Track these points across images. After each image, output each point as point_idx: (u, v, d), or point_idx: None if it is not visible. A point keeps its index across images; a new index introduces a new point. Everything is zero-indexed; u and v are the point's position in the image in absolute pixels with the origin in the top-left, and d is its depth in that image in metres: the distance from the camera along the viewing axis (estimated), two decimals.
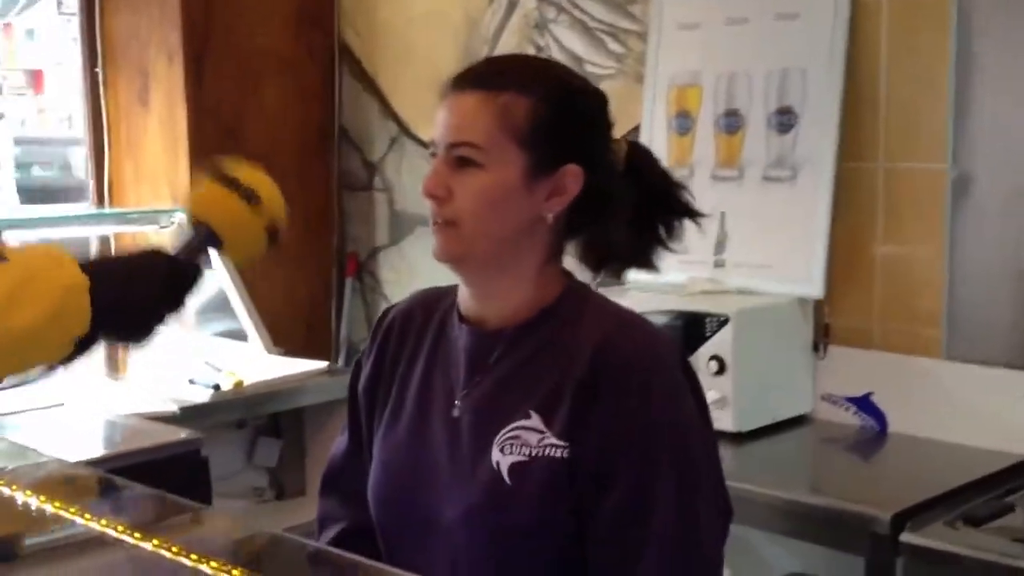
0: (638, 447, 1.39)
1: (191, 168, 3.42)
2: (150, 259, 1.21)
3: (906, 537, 1.96)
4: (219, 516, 1.37)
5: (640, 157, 1.56)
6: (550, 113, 1.44)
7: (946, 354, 2.45)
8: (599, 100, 1.52)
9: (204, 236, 1.25)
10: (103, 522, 1.15)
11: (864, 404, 2.55)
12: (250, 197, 1.25)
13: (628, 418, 1.39)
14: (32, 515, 1.24)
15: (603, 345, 1.43)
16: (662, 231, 1.56)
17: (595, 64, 3.06)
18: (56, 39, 3.88)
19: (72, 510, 1.17)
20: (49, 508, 1.19)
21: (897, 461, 2.45)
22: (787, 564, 2.55)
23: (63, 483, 1.52)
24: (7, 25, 4.07)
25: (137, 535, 1.10)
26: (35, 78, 4.35)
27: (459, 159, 1.43)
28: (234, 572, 1.01)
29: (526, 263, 1.48)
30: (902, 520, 1.99)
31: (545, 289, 1.49)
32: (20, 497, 1.23)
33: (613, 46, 3.03)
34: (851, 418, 2.57)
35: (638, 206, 1.53)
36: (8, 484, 1.25)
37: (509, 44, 3.23)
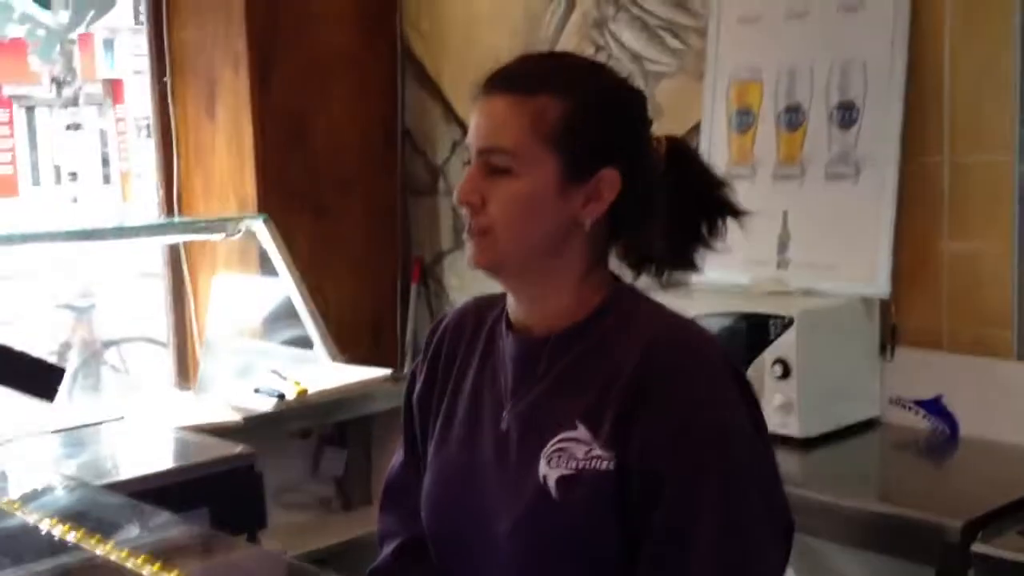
0: (684, 457, 1.35)
1: (257, 176, 3.43)
2: None
3: (978, 547, 1.89)
4: (236, 544, 1.35)
5: (681, 155, 1.51)
6: (585, 116, 1.40)
7: (1018, 355, 2.36)
8: (636, 99, 1.48)
9: None
10: (108, 548, 1.14)
11: (934, 407, 2.47)
12: None
13: (673, 426, 1.35)
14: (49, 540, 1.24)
15: (649, 349, 1.39)
16: (704, 230, 1.50)
17: (654, 61, 3.00)
18: (132, 49, 3.94)
19: (88, 537, 1.17)
20: (57, 534, 1.18)
21: (969, 467, 2.37)
22: (855, 575, 2.48)
23: (85, 509, 1.52)
24: (86, 36, 4.13)
25: (142, 563, 1.09)
26: (114, 88, 4.41)
27: (492, 166, 1.40)
28: None
29: (566, 270, 1.44)
30: (974, 529, 1.92)
31: (591, 294, 1.46)
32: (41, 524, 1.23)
33: (672, 43, 2.97)
34: (920, 422, 2.49)
35: (679, 205, 1.48)
36: (20, 509, 1.25)
37: (569, 43, 3.19)
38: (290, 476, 3.12)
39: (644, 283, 1.52)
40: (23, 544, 1.31)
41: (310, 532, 2.97)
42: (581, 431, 1.39)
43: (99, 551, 1.16)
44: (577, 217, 1.41)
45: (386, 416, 3.03)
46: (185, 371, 3.43)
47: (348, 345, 3.31)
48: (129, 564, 1.10)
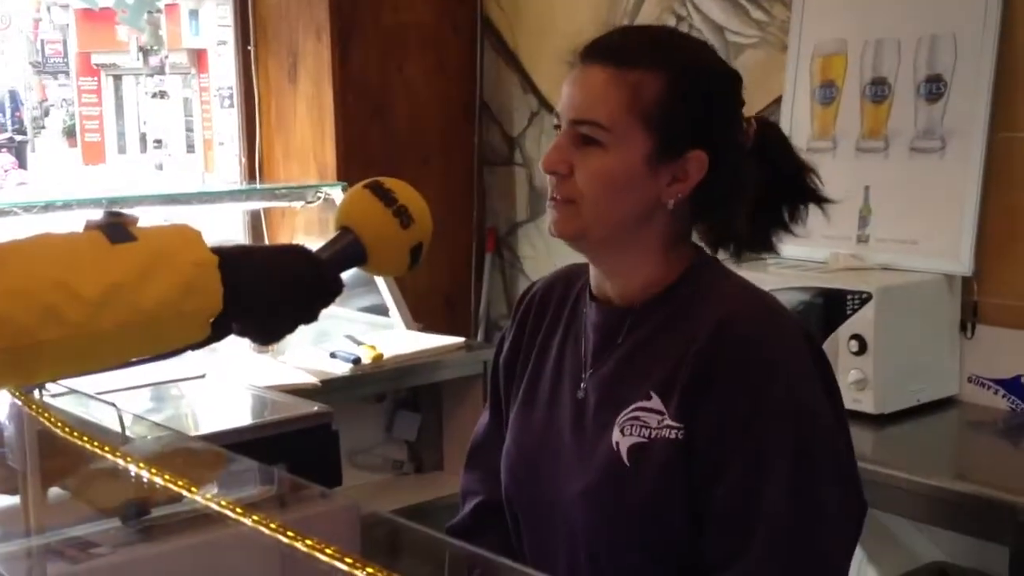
0: (753, 430, 1.34)
1: (337, 144, 3.47)
2: (292, 259, 1.16)
3: None
4: (324, 493, 1.38)
5: (769, 136, 1.49)
6: (681, 95, 1.39)
7: None
8: (732, 80, 1.46)
9: (351, 250, 1.21)
10: (208, 497, 1.17)
11: (1014, 386, 2.43)
12: (403, 215, 1.21)
13: (744, 398, 1.35)
14: (144, 487, 1.27)
15: (724, 321, 1.38)
16: (785, 215, 1.49)
17: (737, 33, 2.98)
18: (216, 20, 3.98)
19: (180, 484, 1.19)
20: (159, 481, 1.21)
21: None
22: (929, 552, 2.46)
23: (176, 457, 1.56)
24: (172, 6, 4.19)
25: (239, 511, 1.11)
26: (199, 58, 4.47)
27: (583, 136, 1.39)
28: (326, 551, 1.01)
29: (647, 244, 1.44)
30: None
31: (672, 267, 1.45)
32: (133, 469, 1.26)
33: (756, 14, 2.94)
34: (1000, 401, 2.45)
35: (763, 188, 1.46)
36: (123, 456, 1.28)
37: (650, 15, 3.17)
38: (364, 438, 3.16)
39: (723, 257, 1.51)
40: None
41: (381, 493, 3.01)
42: (655, 400, 1.39)
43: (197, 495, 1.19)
44: (661, 195, 1.41)
45: (458, 383, 3.07)
46: None
47: (423, 314, 3.35)
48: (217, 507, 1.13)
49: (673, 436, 1.36)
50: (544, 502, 1.48)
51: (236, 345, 2.89)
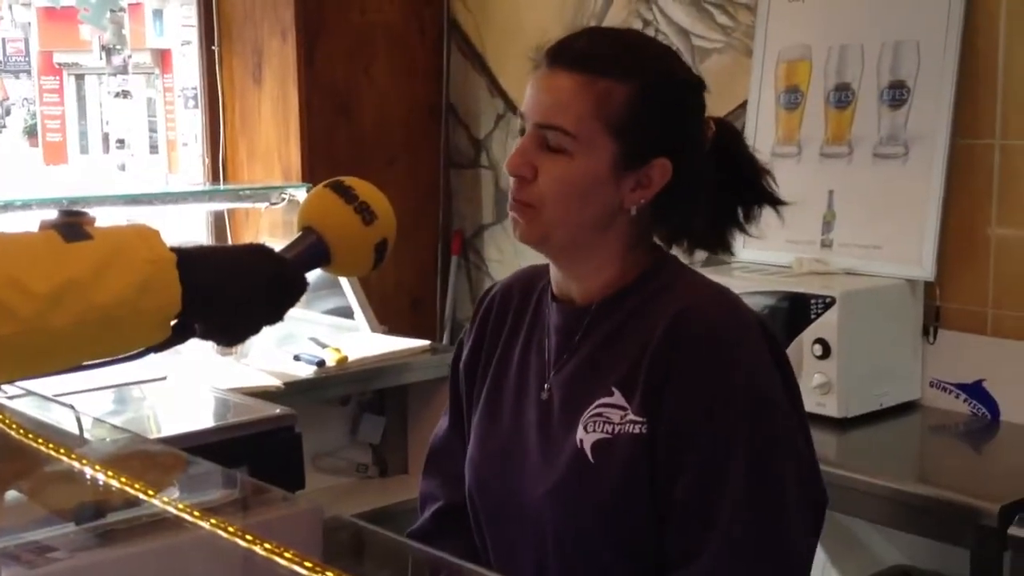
0: (714, 420, 1.35)
1: (302, 145, 3.46)
2: (254, 259, 1.15)
3: (1015, 530, 1.88)
4: (287, 497, 1.37)
5: (727, 139, 1.50)
6: (649, 105, 1.39)
7: None
8: (699, 89, 1.47)
9: (314, 249, 1.20)
10: (166, 500, 1.16)
11: (975, 391, 2.44)
12: (364, 212, 1.20)
13: (703, 389, 1.36)
14: (99, 490, 1.25)
15: (681, 314, 1.39)
16: (740, 215, 1.51)
17: (702, 37, 2.99)
18: (180, 20, 3.96)
19: (137, 487, 1.18)
20: (116, 484, 1.20)
21: (1008, 451, 2.35)
22: (890, 555, 2.47)
23: (134, 459, 1.54)
24: (135, 5, 4.16)
25: (196, 515, 1.10)
26: (162, 58, 4.44)
27: (548, 141, 1.39)
28: (285, 555, 1.01)
29: (609, 247, 1.45)
30: (1011, 512, 1.90)
31: (632, 267, 1.46)
32: (89, 471, 1.24)
33: (721, 19, 2.95)
34: (961, 406, 2.47)
35: (720, 189, 1.48)
36: (79, 459, 1.26)
37: (617, 16, 3.17)
38: (328, 442, 3.14)
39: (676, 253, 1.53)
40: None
41: (345, 497, 2.99)
42: (616, 396, 1.40)
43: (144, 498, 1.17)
44: (624, 201, 1.42)
45: (424, 386, 3.05)
46: None
47: (388, 316, 3.34)
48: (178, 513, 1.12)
49: (637, 431, 1.37)
50: (511, 503, 1.48)
51: (198, 347, 2.87)
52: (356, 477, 3.19)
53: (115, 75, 4.57)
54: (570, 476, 1.41)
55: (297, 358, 2.85)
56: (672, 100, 1.42)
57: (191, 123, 3.76)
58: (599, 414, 1.40)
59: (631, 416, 1.38)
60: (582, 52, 1.41)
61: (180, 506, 1.18)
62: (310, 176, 3.42)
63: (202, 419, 2.47)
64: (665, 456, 1.36)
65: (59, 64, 5.23)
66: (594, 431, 1.40)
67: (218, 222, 3.64)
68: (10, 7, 5.39)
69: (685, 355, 1.37)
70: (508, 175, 1.42)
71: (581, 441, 1.40)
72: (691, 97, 1.46)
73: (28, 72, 5.73)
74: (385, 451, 3.21)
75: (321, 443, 3.10)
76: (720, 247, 1.52)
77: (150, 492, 1.19)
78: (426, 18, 3.67)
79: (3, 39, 5.91)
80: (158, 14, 4.12)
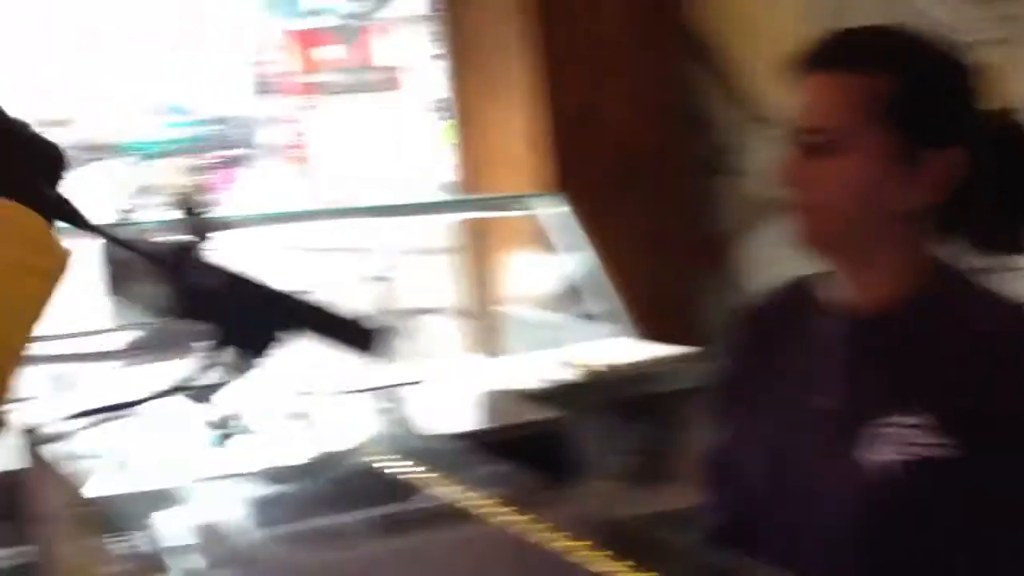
0: None
1: (550, 157, 3.48)
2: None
3: None
4: (581, 496, 1.35)
5: (1014, 132, 1.42)
6: (915, 94, 1.35)
7: None
8: (969, 73, 1.40)
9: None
10: (470, 495, 1.14)
11: None
12: None
13: (1016, 414, 1.31)
14: (398, 484, 1.25)
15: (990, 335, 1.34)
16: None
17: (980, 30, 2.81)
18: (415, 36, 4.10)
19: (440, 481, 1.16)
20: (415, 478, 1.19)
21: None
22: None
23: (428, 454, 1.54)
24: (375, 23, 4.36)
25: (506, 510, 1.08)
26: (394, 75, 4.61)
27: (815, 145, 1.37)
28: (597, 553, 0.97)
29: (890, 251, 1.40)
30: None
31: (916, 275, 1.41)
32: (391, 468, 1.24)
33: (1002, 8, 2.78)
34: None
35: (1011, 186, 1.40)
36: (377, 455, 1.27)
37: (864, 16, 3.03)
38: (591, 448, 3.13)
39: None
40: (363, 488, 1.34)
41: (613, 503, 2.97)
42: (911, 415, 1.34)
43: (440, 492, 1.16)
44: (906, 199, 1.37)
45: (685, 395, 2.99)
46: (483, 342, 3.54)
47: (648, 323, 3.30)
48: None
49: (935, 454, 1.32)
50: (793, 523, 1.44)
51: (451, 352, 2.91)
52: (620, 484, 3.16)
53: (356, 93, 4.77)
54: (858, 496, 1.36)
55: (559, 362, 2.86)
56: (939, 87, 1.38)
57: (431, 135, 3.85)
58: (888, 432, 1.35)
59: (928, 437, 1.32)
60: (837, 50, 1.40)
61: (479, 501, 1.16)
62: (561, 186, 3.42)
63: (472, 420, 2.51)
64: (982, 485, 1.31)
65: (305, 84, 5.49)
66: (883, 451, 1.35)
67: (472, 230, 3.69)
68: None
69: (998, 377, 1.32)
70: (774, 183, 1.41)
71: (870, 460, 1.35)
72: (960, 83, 1.40)
73: (279, 92, 6.02)
74: (647, 459, 3.17)
75: (584, 450, 3.10)
76: (1013, 250, 1.45)
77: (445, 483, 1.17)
78: (664, 25, 3.64)
79: (259, 62, 6.25)
80: (397, 30, 4.28)
